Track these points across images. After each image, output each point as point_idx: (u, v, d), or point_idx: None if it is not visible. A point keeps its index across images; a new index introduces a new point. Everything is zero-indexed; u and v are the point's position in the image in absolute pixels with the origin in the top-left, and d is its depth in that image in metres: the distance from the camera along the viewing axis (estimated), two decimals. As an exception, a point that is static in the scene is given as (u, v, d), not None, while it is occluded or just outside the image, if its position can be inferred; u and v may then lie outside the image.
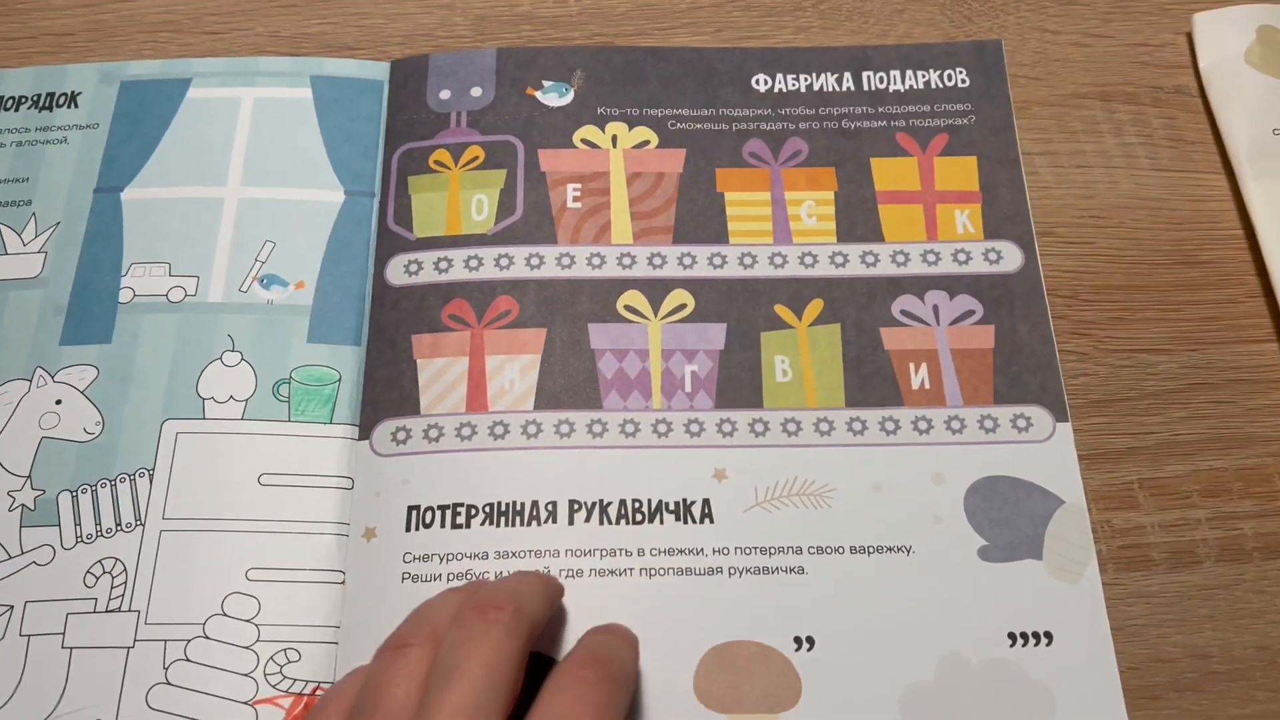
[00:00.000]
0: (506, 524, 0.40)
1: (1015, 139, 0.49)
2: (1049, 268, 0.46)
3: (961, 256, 0.46)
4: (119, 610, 0.40)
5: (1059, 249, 0.47)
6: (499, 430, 0.42)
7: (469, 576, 0.40)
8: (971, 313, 0.45)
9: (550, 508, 0.41)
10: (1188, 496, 0.43)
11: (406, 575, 0.40)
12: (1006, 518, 0.41)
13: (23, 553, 0.41)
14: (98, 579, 0.40)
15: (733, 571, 0.40)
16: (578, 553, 0.40)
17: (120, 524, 0.41)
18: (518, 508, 0.41)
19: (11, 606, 0.40)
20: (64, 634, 0.39)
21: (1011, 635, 0.39)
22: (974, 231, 0.47)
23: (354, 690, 0.33)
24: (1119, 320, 0.46)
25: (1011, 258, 0.46)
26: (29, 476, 0.42)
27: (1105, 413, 0.44)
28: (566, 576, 0.40)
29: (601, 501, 0.41)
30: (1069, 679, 0.38)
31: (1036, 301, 0.45)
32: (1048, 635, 0.39)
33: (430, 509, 0.41)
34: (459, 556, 0.40)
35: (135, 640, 0.39)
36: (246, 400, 0.43)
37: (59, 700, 0.38)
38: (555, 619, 0.39)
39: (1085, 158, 0.49)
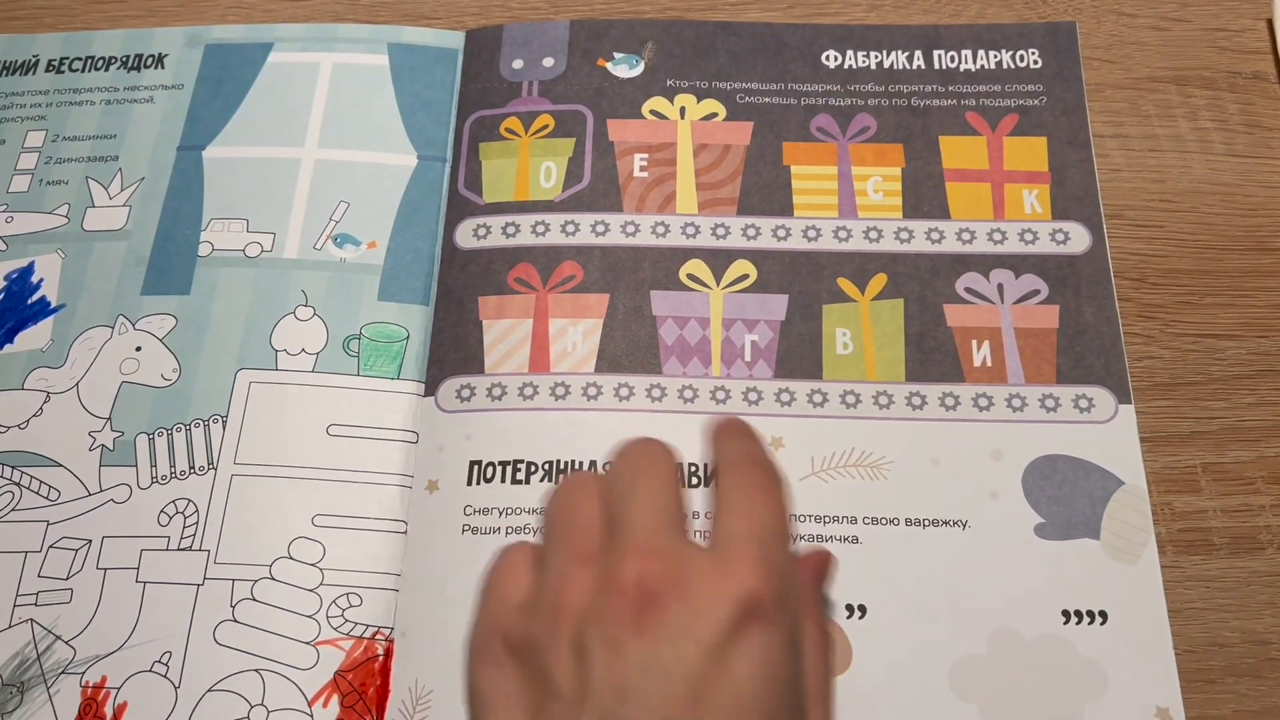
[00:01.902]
0: (565, 482, 0.41)
1: (1086, 121, 0.48)
2: (1117, 250, 0.45)
3: (1028, 236, 0.45)
4: (190, 549, 0.41)
5: (1128, 232, 0.46)
6: (560, 391, 0.42)
7: (527, 532, 0.40)
8: (1036, 292, 0.44)
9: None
10: (1252, 483, 0.41)
11: (466, 527, 0.40)
12: (1065, 496, 0.40)
13: (102, 490, 0.42)
14: (171, 518, 0.41)
15: (787, 537, 0.40)
16: (634, 512, 0.40)
17: (194, 467, 0.42)
18: (576, 466, 0.41)
19: (90, 540, 0.41)
20: (138, 569, 0.40)
21: (1065, 613, 0.38)
22: (1042, 212, 0.46)
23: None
24: (1187, 304, 0.45)
25: (1079, 239, 0.45)
26: (109, 419, 0.43)
27: (1170, 396, 0.43)
28: (622, 535, 0.40)
29: (659, 464, 0.41)
30: (1122, 658, 0.37)
31: (1103, 283, 0.44)
32: (1102, 614, 0.38)
33: (491, 464, 0.41)
34: (518, 511, 0.40)
35: (205, 578, 0.40)
36: (318, 353, 0.44)
37: (132, 630, 0.39)
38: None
39: (1158, 142, 0.48)
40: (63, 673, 0.39)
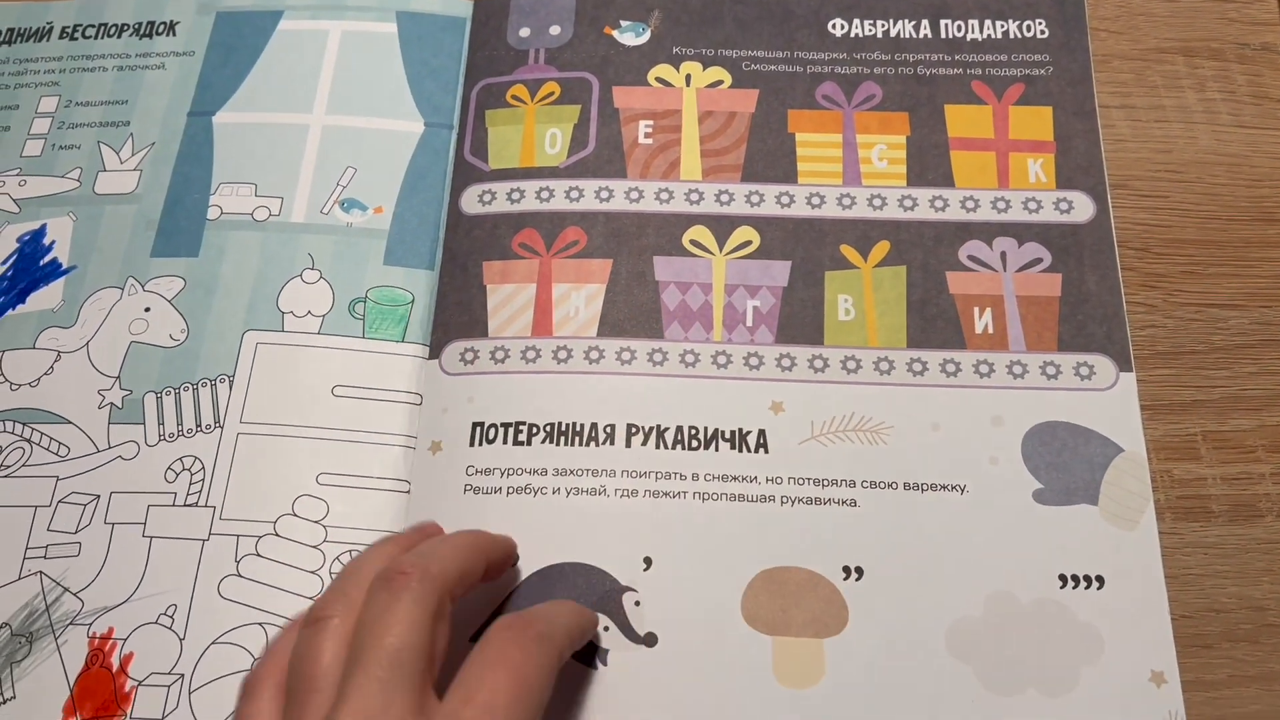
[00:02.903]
0: (566, 443, 0.40)
1: (1093, 91, 0.47)
2: (1121, 220, 0.45)
3: (1032, 205, 0.45)
4: (196, 505, 0.41)
5: (1132, 202, 0.45)
6: (562, 354, 0.42)
7: (528, 491, 0.40)
8: (1039, 260, 0.43)
9: (609, 430, 0.41)
10: (1252, 451, 0.41)
11: (469, 487, 0.40)
12: (1064, 462, 0.40)
13: (110, 447, 0.42)
14: (178, 475, 0.41)
15: (785, 500, 0.39)
16: (633, 474, 0.40)
17: (200, 425, 0.42)
18: (577, 428, 0.41)
19: (98, 496, 0.41)
20: (145, 524, 0.40)
21: (1062, 577, 0.38)
22: (1046, 181, 0.45)
23: (281, 665, 0.31)
24: (1190, 274, 0.44)
25: (1083, 208, 0.44)
26: (118, 377, 0.43)
27: (1171, 365, 0.42)
28: (622, 496, 0.39)
29: (659, 427, 0.41)
30: (1119, 623, 0.37)
31: (1106, 252, 0.43)
32: (1099, 579, 0.38)
33: (494, 425, 0.41)
34: (519, 471, 0.40)
35: (210, 534, 0.40)
36: (324, 316, 0.44)
37: (139, 584, 0.39)
38: (603, 538, 0.39)
39: (1164, 112, 0.47)
40: (71, 624, 0.39)
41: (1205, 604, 0.38)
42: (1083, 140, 0.46)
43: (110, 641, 0.39)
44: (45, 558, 0.40)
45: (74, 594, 0.39)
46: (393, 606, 0.30)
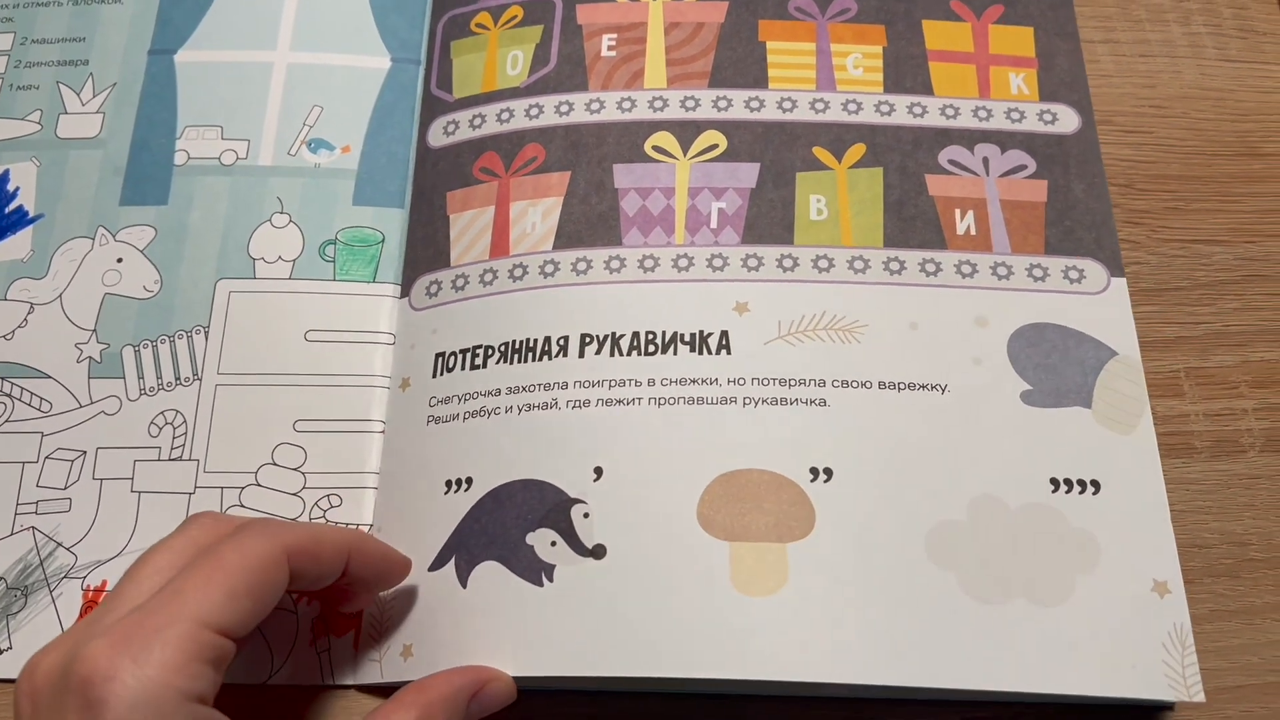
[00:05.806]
0: (519, 360, 0.36)
1: (1073, 14, 0.43)
2: (1105, 155, 0.40)
3: (1015, 115, 0.40)
4: (181, 459, 0.38)
5: (1116, 137, 0.41)
6: (518, 272, 0.38)
7: (483, 414, 0.36)
8: (1023, 167, 0.39)
9: (562, 342, 0.36)
10: (1235, 387, 0.37)
11: (430, 418, 0.36)
12: (1053, 364, 0.35)
13: (92, 402, 0.39)
14: (160, 429, 0.38)
15: (747, 401, 0.34)
16: (585, 384, 0.35)
17: (179, 378, 0.39)
18: (530, 344, 0.36)
19: (84, 452, 0.38)
20: (132, 479, 0.38)
21: (1054, 481, 0.33)
22: (1029, 93, 0.41)
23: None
24: (1174, 210, 0.40)
25: (1068, 120, 0.40)
26: (94, 330, 0.40)
27: (1155, 301, 0.39)
28: (573, 408, 0.35)
29: (614, 334, 0.36)
30: (1117, 529, 0.32)
31: (1093, 162, 0.39)
32: (1094, 484, 0.33)
33: (453, 354, 0.37)
34: (474, 396, 0.36)
35: (196, 487, 0.37)
36: (294, 260, 0.40)
37: (130, 538, 0.37)
38: (554, 452, 0.34)
39: (1149, 47, 0.44)
40: (65, 577, 0.36)
41: (1187, 540, 0.35)
42: (1066, 59, 0.42)
43: (104, 594, 0.36)
44: (36, 513, 0.37)
45: (67, 549, 0.37)
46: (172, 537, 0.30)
